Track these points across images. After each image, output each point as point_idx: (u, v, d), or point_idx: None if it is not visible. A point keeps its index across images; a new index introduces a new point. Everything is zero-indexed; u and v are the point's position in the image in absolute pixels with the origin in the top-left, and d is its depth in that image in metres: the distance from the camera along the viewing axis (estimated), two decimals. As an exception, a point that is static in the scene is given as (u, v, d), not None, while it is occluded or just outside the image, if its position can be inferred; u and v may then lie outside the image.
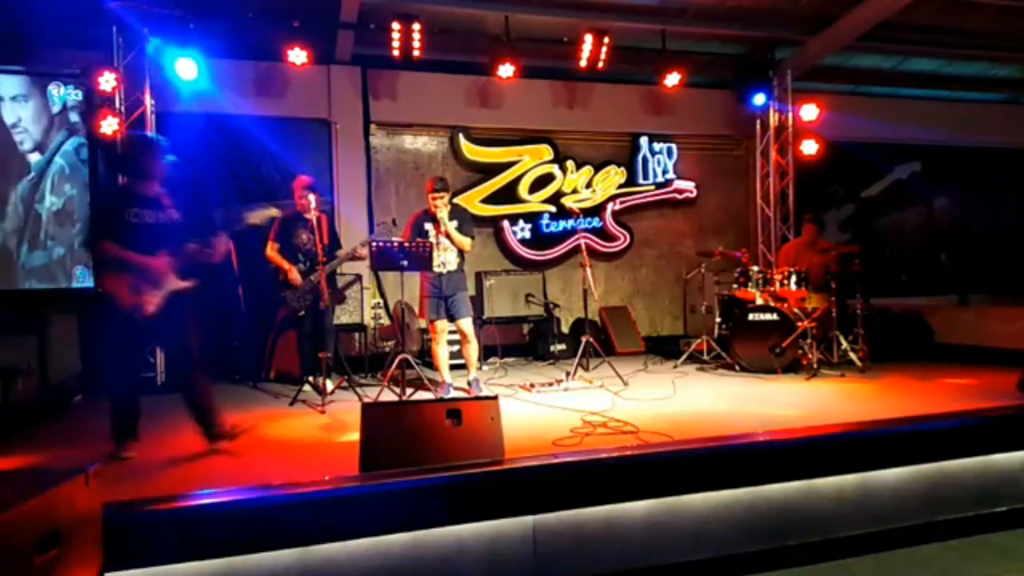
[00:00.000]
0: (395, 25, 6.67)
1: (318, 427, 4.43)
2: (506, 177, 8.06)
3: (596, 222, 8.38)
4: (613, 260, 8.60)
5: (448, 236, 5.24)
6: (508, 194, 8.07)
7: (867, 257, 6.39)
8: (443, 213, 5.23)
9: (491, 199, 8.01)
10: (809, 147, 8.03)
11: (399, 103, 7.72)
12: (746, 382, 5.66)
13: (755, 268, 6.41)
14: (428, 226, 5.30)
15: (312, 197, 5.32)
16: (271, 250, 5.62)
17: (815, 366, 5.78)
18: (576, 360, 6.04)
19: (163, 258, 3.67)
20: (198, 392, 3.80)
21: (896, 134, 9.44)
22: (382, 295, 7.14)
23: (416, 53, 6.87)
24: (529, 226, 8.13)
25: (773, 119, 8.33)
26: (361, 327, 7.14)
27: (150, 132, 3.92)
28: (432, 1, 6.78)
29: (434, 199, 5.22)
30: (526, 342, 7.92)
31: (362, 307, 7.23)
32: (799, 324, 5.86)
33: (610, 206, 8.43)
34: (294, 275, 5.52)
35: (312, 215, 5.33)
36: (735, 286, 6.46)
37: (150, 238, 3.65)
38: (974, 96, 9.85)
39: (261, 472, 3.30)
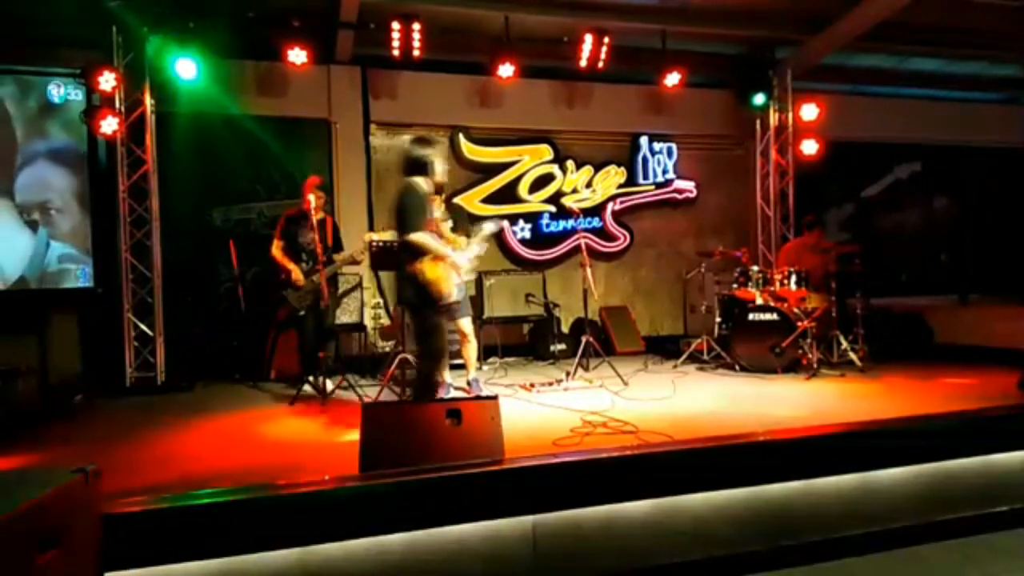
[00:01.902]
0: (395, 25, 6.68)
1: (318, 427, 4.43)
2: (506, 177, 8.06)
3: (596, 222, 8.39)
4: (613, 260, 8.60)
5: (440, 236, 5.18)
6: (508, 194, 8.07)
7: (867, 257, 6.38)
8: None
9: (491, 199, 8.02)
10: (809, 147, 8.02)
11: (399, 103, 7.72)
12: (746, 382, 5.66)
13: (755, 268, 6.41)
14: None
15: (312, 197, 5.34)
16: (276, 249, 5.63)
17: (815, 366, 5.77)
18: (576, 360, 6.04)
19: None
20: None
21: (896, 134, 9.46)
22: (382, 295, 7.13)
23: (416, 53, 6.87)
24: (529, 226, 8.13)
25: (773, 119, 8.32)
26: (361, 327, 7.14)
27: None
28: (432, 1, 6.77)
29: None
30: (526, 342, 7.90)
31: (362, 307, 7.23)
32: (799, 324, 5.85)
33: (610, 206, 8.44)
34: (297, 275, 5.52)
35: (318, 215, 5.36)
36: (735, 286, 6.46)
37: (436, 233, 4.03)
38: (974, 96, 9.84)
39: (261, 472, 3.30)
